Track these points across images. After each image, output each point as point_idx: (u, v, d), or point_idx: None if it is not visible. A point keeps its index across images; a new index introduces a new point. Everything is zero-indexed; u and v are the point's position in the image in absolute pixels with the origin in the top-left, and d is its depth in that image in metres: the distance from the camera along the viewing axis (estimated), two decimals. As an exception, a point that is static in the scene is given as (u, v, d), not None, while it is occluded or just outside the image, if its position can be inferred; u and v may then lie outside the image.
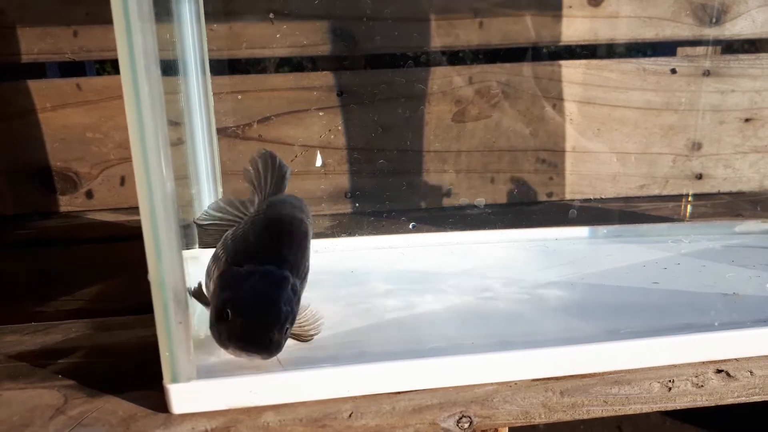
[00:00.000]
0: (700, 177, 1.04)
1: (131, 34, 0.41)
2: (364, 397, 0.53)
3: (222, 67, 0.97)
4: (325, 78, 0.97)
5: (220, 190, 0.77)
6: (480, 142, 1.01)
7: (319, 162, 0.98)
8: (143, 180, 0.44)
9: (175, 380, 0.49)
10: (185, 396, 0.49)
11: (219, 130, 0.95)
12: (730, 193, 1.05)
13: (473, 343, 0.56)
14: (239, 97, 0.95)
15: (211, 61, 0.92)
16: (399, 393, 0.53)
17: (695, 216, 0.98)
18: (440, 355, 0.53)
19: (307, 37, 0.96)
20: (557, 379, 0.54)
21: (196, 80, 0.73)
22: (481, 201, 0.98)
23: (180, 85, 0.71)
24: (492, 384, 0.54)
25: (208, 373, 0.50)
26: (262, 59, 0.99)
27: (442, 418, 0.51)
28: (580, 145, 1.01)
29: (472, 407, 0.52)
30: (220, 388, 0.49)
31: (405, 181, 1.02)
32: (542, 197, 1.03)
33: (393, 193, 1.01)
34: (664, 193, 1.04)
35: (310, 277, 0.70)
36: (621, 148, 1.02)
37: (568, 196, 1.03)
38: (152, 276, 0.46)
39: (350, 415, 0.51)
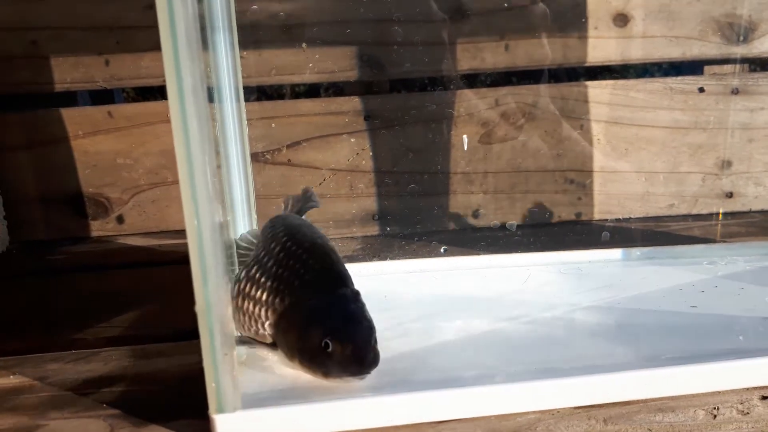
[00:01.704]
0: (730, 195, 1.03)
1: (179, 61, 0.41)
2: (406, 426, 0.53)
3: (252, 93, 0.99)
4: (352, 103, 0.98)
5: (254, 216, 0.78)
6: (507, 163, 1.01)
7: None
8: (191, 207, 0.44)
9: (221, 410, 0.49)
10: (231, 426, 0.49)
11: (251, 155, 0.97)
12: (762, 212, 1.04)
13: (513, 371, 0.56)
14: (273, 125, 0.97)
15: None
16: (441, 422, 0.53)
17: (727, 235, 0.97)
18: (482, 384, 0.53)
19: (336, 63, 0.97)
20: (600, 406, 0.54)
21: (231, 107, 0.74)
22: (512, 224, 0.98)
23: (216, 112, 0.72)
24: (534, 412, 0.53)
25: (252, 402, 0.50)
26: (291, 85, 1.00)
27: (485, 448, 0.51)
28: (608, 165, 1.01)
29: (515, 437, 0.52)
30: (266, 417, 0.50)
31: (433, 203, 1.02)
32: (571, 217, 1.03)
33: (422, 216, 1.01)
34: (694, 212, 1.03)
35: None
36: (649, 167, 1.01)
37: (596, 216, 1.02)
38: (199, 306, 0.47)
39: (392, 445, 0.51)
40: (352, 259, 0.87)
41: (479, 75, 1.00)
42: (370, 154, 0.99)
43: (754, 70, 1.00)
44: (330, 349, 0.49)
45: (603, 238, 0.90)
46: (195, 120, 0.43)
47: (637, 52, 0.98)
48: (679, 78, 1.00)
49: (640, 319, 0.65)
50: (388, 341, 0.62)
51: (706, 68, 1.00)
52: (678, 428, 0.53)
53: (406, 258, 0.85)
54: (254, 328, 0.55)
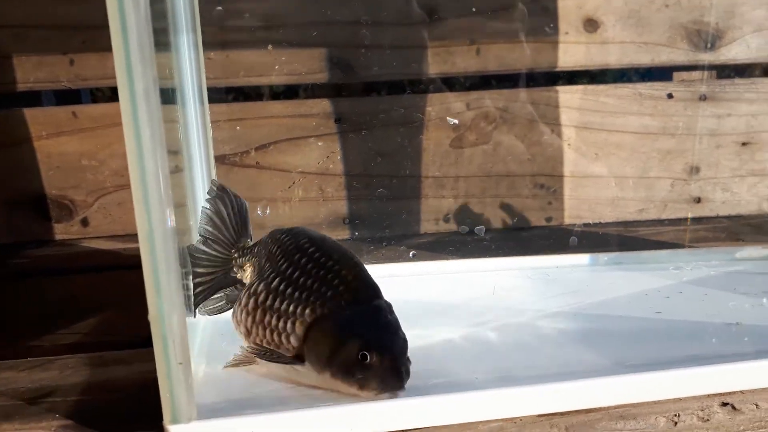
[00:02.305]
0: (698, 201, 1.04)
1: (130, 62, 0.40)
2: (374, 436, 0.52)
3: (220, 95, 0.97)
4: (322, 105, 0.97)
5: (219, 220, 0.76)
6: (478, 168, 1.01)
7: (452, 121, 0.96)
8: (143, 213, 0.43)
9: (175, 421, 0.48)
10: (186, 437, 0.48)
11: (217, 158, 0.95)
12: (729, 217, 1.05)
13: (477, 378, 0.55)
14: (240, 127, 0.95)
15: (209, 89, 0.92)
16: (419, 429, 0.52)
17: (695, 240, 0.98)
18: (444, 392, 0.52)
19: (305, 65, 0.96)
20: (562, 414, 0.54)
21: (194, 109, 0.73)
22: (480, 228, 0.98)
23: (179, 114, 0.71)
24: (497, 421, 0.53)
25: (208, 413, 0.49)
26: (260, 87, 0.99)
27: (446, 457, 0.51)
28: (579, 170, 1.01)
29: (477, 445, 0.51)
30: (222, 428, 0.48)
31: (404, 207, 1.01)
32: (541, 222, 1.03)
33: (392, 220, 1.01)
34: (663, 217, 1.04)
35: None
36: (619, 172, 1.02)
37: (567, 221, 1.03)
38: (152, 314, 0.46)
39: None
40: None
41: (450, 79, 0.99)
42: (340, 157, 0.98)
43: (722, 77, 1.01)
44: (368, 361, 0.48)
45: (571, 243, 0.90)
46: (147, 124, 0.42)
47: (607, 57, 0.98)
48: (649, 84, 1.00)
49: (606, 325, 0.65)
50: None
51: (675, 74, 1.01)
52: (639, 436, 0.53)
53: (374, 263, 0.84)
54: (275, 341, 0.52)
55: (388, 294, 0.73)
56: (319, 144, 0.97)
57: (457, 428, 0.53)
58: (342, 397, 0.51)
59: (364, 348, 0.48)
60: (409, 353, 0.59)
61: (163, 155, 0.43)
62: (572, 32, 0.97)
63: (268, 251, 0.57)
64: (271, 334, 0.52)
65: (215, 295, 0.61)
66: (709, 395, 0.55)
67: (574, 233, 0.94)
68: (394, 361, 0.48)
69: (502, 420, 0.53)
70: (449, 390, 0.53)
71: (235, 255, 0.60)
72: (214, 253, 0.60)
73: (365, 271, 0.54)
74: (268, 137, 0.97)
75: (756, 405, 0.54)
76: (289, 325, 0.51)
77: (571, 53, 0.98)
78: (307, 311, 0.51)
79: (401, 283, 0.80)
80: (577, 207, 1.02)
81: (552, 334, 0.63)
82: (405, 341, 0.50)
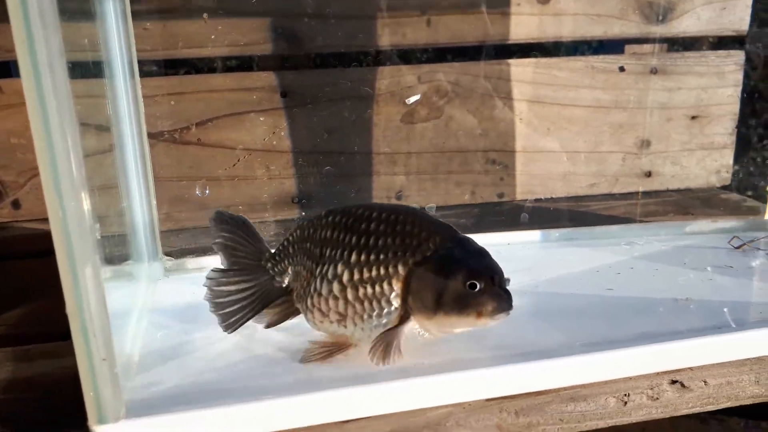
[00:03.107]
0: (649, 175, 1.04)
1: (30, 29, 0.36)
2: (309, 428, 0.49)
3: (157, 68, 0.92)
4: (267, 78, 0.93)
5: (153, 201, 0.72)
6: (430, 143, 0.99)
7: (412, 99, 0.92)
8: (54, 197, 0.39)
9: (102, 421, 0.44)
10: (113, 438, 0.44)
11: (154, 135, 0.90)
12: (678, 191, 1.05)
13: (424, 364, 0.53)
14: (180, 101, 0.90)
15: (144, 61, 0.87)
16: (347, 422, 0.50)
17: (646, 215, 0.98)
18: (390, 380, 0.50)
19: (247, 35, 0.91)
20: (512, 398, 0.52)
21: (123, 83, 0.68)
22: (432, 206, 0.95)
23: (106, 88, 0.66)
24: (446, 406, 0.51)
25: (138, 410, 0.46)
26: (200, 59, 0.93)
27: (393, 446, 0.49)
28: (531, 145, 1.00)
29: (424, 432, 0.50)
30: (152, 426, 0.45)
31: (354, 184, 0.98)
32: (493, 198, 1.02)
33: (342, 198, 0.97)
34: (614, 191, 1.04)
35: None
36: (571, 146, 1.01)
37: (519, 197, 1.01)
38: (70, 307, 0.42)
39: (295, 448, 0.48)
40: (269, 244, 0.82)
41: (401, 51, 0.96)
42: (287, 133, 0.94)
43: (673, 50, 1.00)
44: (477, 288, 0.48)
45: (522, 219, 0.89)
46: (53, 98, 0.38)
47: (559, 29, 0.96)
48: (601, 57, 0.99)
49: (557, 304, 0.64)
50: (293, 336, 0.58)
51: (627, 47, 1.00)
52: (589, 417, 0.52)
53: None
54: (377, 310, 0.51)
55: None
56: (264, 119, 0.93)
57: (405, 416, 0.51)
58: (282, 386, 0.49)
59: (471, 277, 0.48)
60: None
61: (75, 133, 0.39)
62: (524, 4, 0.95)
63: (318, 238, 0.55)
64: (370, 304, 0.52)
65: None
66: (658, 373, 0.55)
67: (526, 209, 0.93)
68: (500, 281, 0.49)
69: (451, 406, 0.52)
70: (395, 377, 0.50)
71: (269, 265, 0.59)
72: (245, 274, 0.59)
73: (433, 217, 0.54)
74: (209, 112, 0.92)
75: (704, 382, 0.54)
76: (386, 287, 0.51)
77: (524, 25, 0.96)
78: (400, 266, 0.51)
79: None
80: (529, 182, 1.01)
81: (503, 315, 0.61)
82: (499, 266, 0.51)
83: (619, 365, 0.53)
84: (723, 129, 1.04)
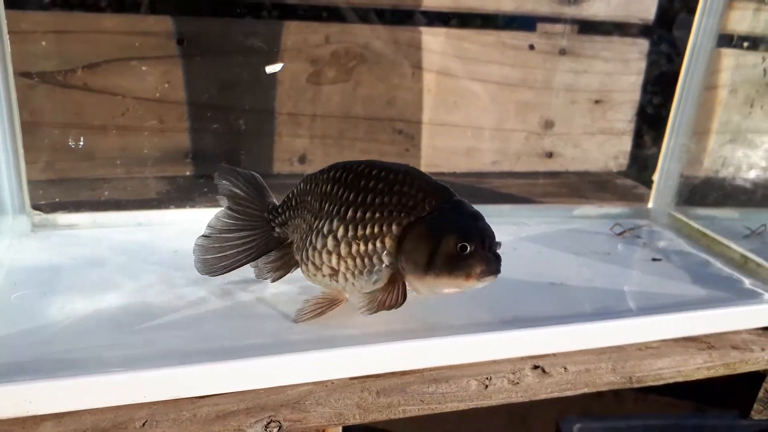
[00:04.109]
0: (550, 155, 1.06)
1: None
2: (162, 402, 0.47)
3: (44, 1, 0.84)
4: (163, 23, 0.87)
5: (20, 149, 0.66)
6: (336, 107, 0.96)
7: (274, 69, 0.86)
8: None
9: None
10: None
11: (35, 75, 0.83)
12: (577, 173, 1.08)
13: (286, 340, 0.52)
14: (55, 41, 0.83)
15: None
16: (202, 398, 0.48)
17: (543, 195, 0.99)
18: (246, 357, 0.48)
19: (144, -26, 0.84)
20: (376, 377, 0.52)
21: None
22: None
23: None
24: (307, 384, 0.51)
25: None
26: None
27: (248, 424, 0.48)
28: (437, 118, 0.99)
29: (282, 411, 0.49)
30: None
31: (255, 144, 0.95)
32: (397, 168, 1.00)
33: (241, 157, 0.94)
34: (515, 169, 1.05)
35: (122, 259, 0.62)
36: (476, 122, 1.01)
37: (423, 169, 1.00)
38: None
39: (144, 424, 0.46)
40: (149, 205, 0.78)
41: (310, 7, 0.92)
42: (183, 83, 0.89)
43: (582, 32, 1.00)
44: (467, 251, 0.49)
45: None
46: None
47: (471, 1, 0.95)
48: (512, 33, 0.98)
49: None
50: (150, 308, 0.56)
51: (539, 26, 1.00)
52: (449, 398, 0.53)
53: (209, 206, 0.78)
54: (368, 266, 0.52)
55: None
56: (158, 67, 0.87)
57: (263, 393, 0.50)
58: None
59: (462, 239, 0.49)
60: (219, 312, 0.56)
61: None
62: (440, -30, 0.92)
63: (318, 192, 0.55)
64: (362, 260, 0.52)
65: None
66: (522, 358, 0.56)
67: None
68: (490, 245, 0.50)
69: (313, 384, 0.51)
70: (250, 354, 0.49)
71: (270, 217, 0.59)
72: (245, 220, 0.59)
73: (432, 178, 0.54)
74: (98, 55, 0.85)
75: (565, 368, 0.56)
76: (378, 245, 0.51)
77: (438, -8, 0.93)
78: (394, 225, 0.51)
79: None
80: (433, 155, 1.01)
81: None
82: (491, 229, 0.51)
83: (482, 349, 0.54)
84: (623, 115, 1.06)
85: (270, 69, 0.78)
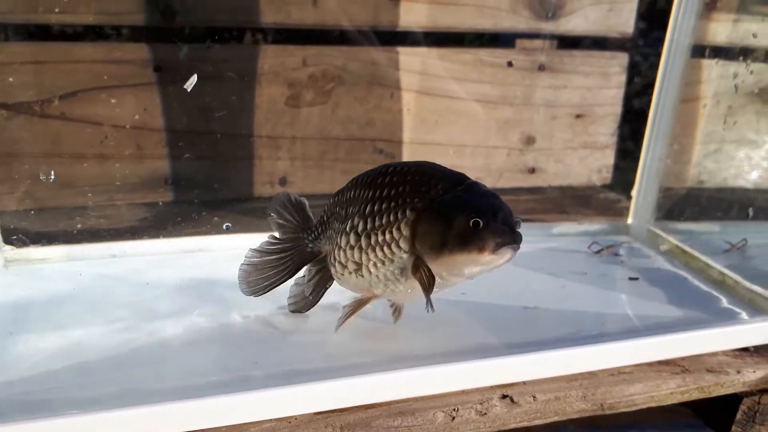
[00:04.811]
0: (533, 171, 1.05)
1: None
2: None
3: (20, 32, 0.84)
4: (139, 51, 0.87)
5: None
6: (315, 129, 0.96)
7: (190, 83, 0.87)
8: None
9: None
10: None
11: (12, 106, 0.83)
12: (560, 188, 1.07)
13: (255, 375, 0.52)
14: (32, 71, 0.83)
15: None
16: (162, 438, 0.48)
17: (525, 211, 0.99)
18: (214, 394, 0.48)
19: (119, 4, 0.85)
20: (341, 411, 0.52)
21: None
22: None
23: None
24: (270, 421, 0.50)
25: None
26: (65, 26, 0.86)
27: (208, 464, 0.47)
28: (418, 137, 0.99)
29: (243, 449, 0.48)
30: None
31: (234, 168, 0.95)
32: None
33: (221, 182, 0.94)
34: (498, 186, 1.04)
35: (94, 293, 0.63)
36: (458, 140, 1.00)
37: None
38: None
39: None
40: (123, 236, 0.78)
41: (285, 31, 0.92)
42: (161, 110, 0.89)
43: (561, 48, 1.00)
44: (480, 226, 0.49)
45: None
46: None
47: (448, 19, 0.95)
48: (490, 50, 0.98)
49: (409, 311, 0.64)
50: (116, 345, 0.55)
51: (517, 42, 1.00)
52: (416, 431, 0.52)
53: (182, 236, 0.78)
54: (388, 256, 0.53)
55: (185, 273, 0.69)
56: (136, 95, 0.87)
57: (231, 429, 0.49)
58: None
59: (473, 215, 0.49)
60: (180, 348, 0.56)
61: None
62: (415, -10, 0.92)
63: (344, 200, 0.57)
64: (381, 250, 0.53)
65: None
66: (491, 387, 0.55)
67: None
68: (504, 218, 0.50)
69: (276, 420, 0.50)
70: (219, 391, 0.49)
71: (305, 235, 0.61)
72: (287, 242, 0.61)
73: (446, 167, 0.55)
74: (75, 84, 0.86)
75: (533, 397, 0.55)
76: (395, 232, 0.52)
77: (413, 12, 0.93)
78: (408, 211, 0.52)
79: (211, 259, 0.75)
80: (414, 174, 1.00)
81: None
82: (507, 205, 0.51)
83: (449, 379, 0.53)
84: (605, 129, 1.06)
85: (188, 84, 0.78)
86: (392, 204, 0.53)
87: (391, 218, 0.52)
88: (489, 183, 1.04)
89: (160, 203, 0.91)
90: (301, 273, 0.62)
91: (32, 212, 0.83)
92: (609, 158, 1.08)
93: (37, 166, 0.85)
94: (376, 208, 0.53)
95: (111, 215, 0.86)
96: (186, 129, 0.91)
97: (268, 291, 0.60)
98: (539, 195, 1.04)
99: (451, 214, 0.50)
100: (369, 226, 0.53)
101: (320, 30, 0.93)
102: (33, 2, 0.82)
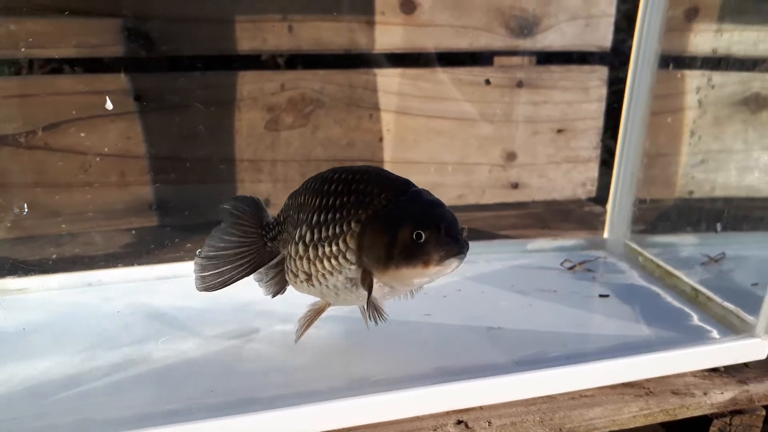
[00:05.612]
0: (516, 186, 1.05)
1: None
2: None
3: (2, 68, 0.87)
4: (119, 81, 0.89)
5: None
6: (296, 151, 0.97)
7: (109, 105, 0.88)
8: None
9: None
10: None
11: (-2, 139, 0.86)
12: (545, 202, 1.07)
13: (210, 403, 0.53)
14: (15, 105, 0.85)
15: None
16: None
17: (509, 227, 0.99)
18: (165, 424, 0.49)
19: (98, 36, 0.87)
20: (293, 440, 0.52)
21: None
22: None
23: None
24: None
25: None
26: (46, 59, 0.89)
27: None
28: (398, 156, 1.00)
29: (195, 479, 0.49)
30: None
31: (217, 191, 0.96)
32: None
33: (206, 206, 0.95)
34: (482, 202, 1.05)
35: (64, 323, 0.64)
36: (438, 158, 1.01)
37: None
38: None
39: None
40: (97, 265, 0.79)
41: (262, 57, 0.93)
42: (143, 138, 0.91)
43: (539, 64, 1.00)
44: (423, 239, 0.48)
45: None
46: None
47: (424, 40, 0.96)
48: (467, 69, 0.99)
49: (364, 334, 0.63)
50: (77, 375, 0.56)
51: (496, 60, 1.00)
52: (368, 459, 0.53)
53: (157, 263, 0.79)
54: (336, 267, 0.53)
55: (162, 300, 0.70)
56: (117, 124, 0.89)
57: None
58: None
59: (416, 228, 0.48)
60: (163, 374, 0.56)
61: None
62: (389, 12, 0.93)
63: (296, 204, 0.57)
64: (329, 261, 0.53)
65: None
66: (447, 413, 0.55)
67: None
68: (448, 229, 0.49)
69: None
70: (169, 420, 0.50)
71: (263, 232, 0.60)
72: (242, 237, 0.61)
73: (392, 173, 0.55)
74: (57, 116, 0.88)
75: (489, 422, 0.55)
76: (341, 245, 0.52)
77: (389, 35, 0.94)
78: (353, 223, 0.51)
79: (186, 285, 0.76)
80: (395, 193, 1.01)
81: (301, 345, 0.60)
82: (452, 213, 0.51)
83: (404, 405, 0.54)
84: (588, 143, 1.06)
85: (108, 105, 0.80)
86: (337, 215, 0.53)
87: (337, 230, 0.52)
88: (472, 199, 1.05)
89: (147, 228, 0.93)
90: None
91: (26, 238, 0.85)
92: (593, 171, 1.08)
93: (26, 196, 0.88)
94: (322, 218, 0.54)
95: (91, 242, 0.88)
96: (168, 155, 0.93)
97: (222, 288, 0.59)
98: (523, 210, 1.04)
99: (394, 227, 0.49)
100: (316, 236, 0.53)
101: (297, 54, 0.95)
102: (13, 38, 0.84)
